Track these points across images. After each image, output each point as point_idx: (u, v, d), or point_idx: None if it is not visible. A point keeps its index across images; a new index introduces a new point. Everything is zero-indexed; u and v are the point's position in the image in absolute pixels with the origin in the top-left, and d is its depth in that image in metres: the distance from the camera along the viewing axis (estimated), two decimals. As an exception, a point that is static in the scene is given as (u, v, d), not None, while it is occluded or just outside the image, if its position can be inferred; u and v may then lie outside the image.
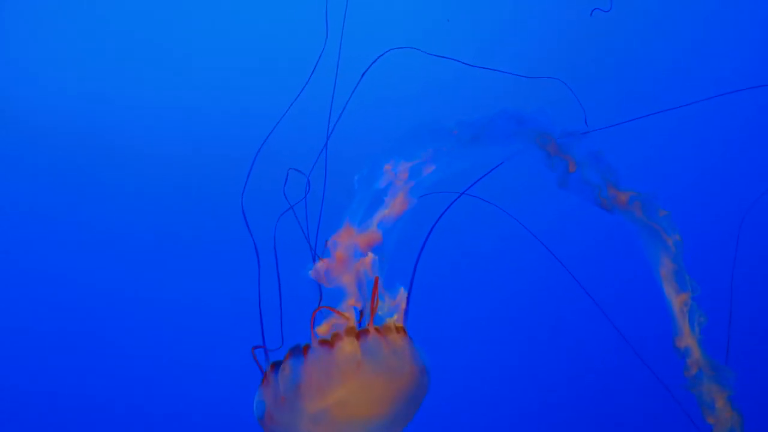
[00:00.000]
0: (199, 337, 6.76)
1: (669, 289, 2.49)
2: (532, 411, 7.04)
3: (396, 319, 2.38)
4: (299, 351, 2.27)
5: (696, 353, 2.49)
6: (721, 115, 6.68)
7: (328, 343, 2.25)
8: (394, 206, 2.44)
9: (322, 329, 2.34)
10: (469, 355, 6.77)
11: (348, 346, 2.24)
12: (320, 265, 2.39)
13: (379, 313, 2.39)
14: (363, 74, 2.55)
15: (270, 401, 2.29)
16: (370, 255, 2.39)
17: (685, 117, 6.54)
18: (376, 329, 2.29)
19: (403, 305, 2.40)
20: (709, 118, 6.69)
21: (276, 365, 2.30)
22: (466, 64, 2.91)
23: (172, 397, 6.82)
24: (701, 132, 6.77)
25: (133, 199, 6.75)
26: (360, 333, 2.27)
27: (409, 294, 2.41)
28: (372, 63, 2.54)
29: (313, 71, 2.76)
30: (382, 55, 2.57)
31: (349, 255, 2.39)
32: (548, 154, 2.49)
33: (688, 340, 2.48)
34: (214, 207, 6.60)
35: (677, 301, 2.47)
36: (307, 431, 2.30)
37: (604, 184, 2.48)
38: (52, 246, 6.76)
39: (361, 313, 2.37)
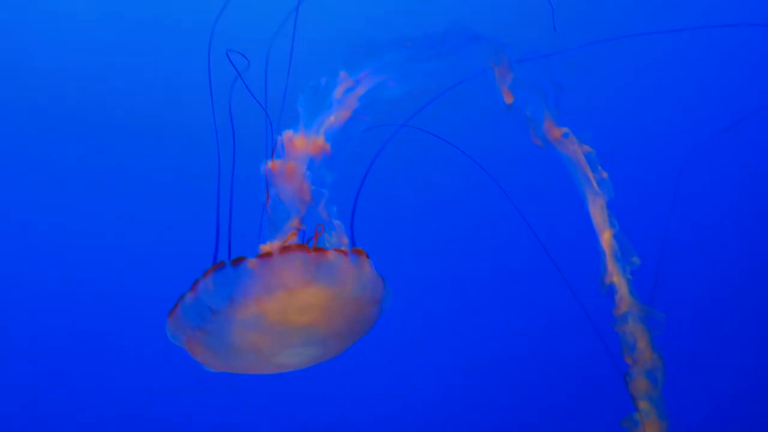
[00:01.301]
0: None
1: (598, 226, 2.49)
2: (465, 339, 7.14)
3: (345, 241, 2.34)
4: (238, 262, 2.19)
5: (623, 292, 2.50)
6: (675, 56, 6.69)
7: (281, 251, 2.18)
8: (340, 115, 2.37)
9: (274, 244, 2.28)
10: (413, 285, 6.79)
11: (296, 254, 2.18)
12: (272, 165, 2.30)
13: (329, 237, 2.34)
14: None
15: (199, 319, 2.22)
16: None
17: (641, 54, 6.54)
18: (332, 248, 2.24)
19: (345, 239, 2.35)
20: (663, 59, 6.70)
21: (219, 266, 2.20)
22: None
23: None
24: (652, 74, 6.78)
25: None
26: (312, 248, 2.21)
27: (352, 222, 2.36)
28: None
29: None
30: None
31: (299, 165, 2.32)
32: (499, 78, 2.44)
33: (614, 278, 2.48)
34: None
35: (604, 238, 2.47)
36: (241, 338, 2.27)
37: (542, 117, 2.45)
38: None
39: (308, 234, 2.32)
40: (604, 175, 2.51)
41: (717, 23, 6.39)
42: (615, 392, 2.77)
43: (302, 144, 2.31)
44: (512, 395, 7.04)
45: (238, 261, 2.18)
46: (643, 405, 2.66)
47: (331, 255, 2.20)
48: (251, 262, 2.17)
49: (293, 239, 2.27)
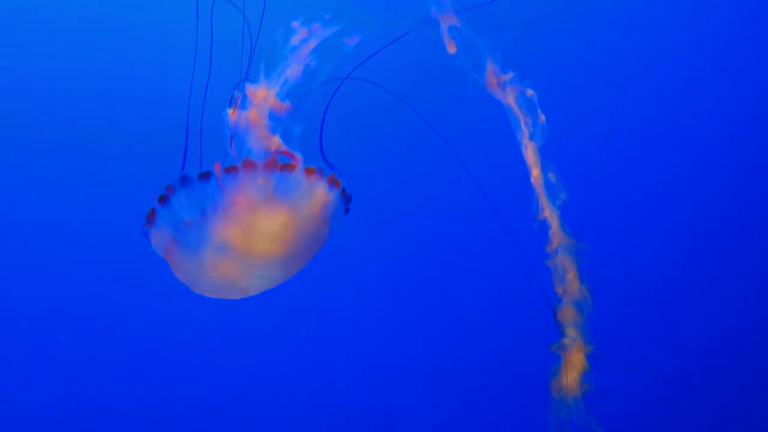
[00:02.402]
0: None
1: (530, 166, 2.63)
2: (400, 274, 7.30)
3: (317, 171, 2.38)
4: (206, 178, 2.27)
5: (554, 226, 2.66)
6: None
7: (244, 167, 2.27)
8: (295, 67, 2.45)
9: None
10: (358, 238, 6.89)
11: (262, 178, 2.27)
12: (234, 115, 2.39)
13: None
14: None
15: (173, 226, 2.32)
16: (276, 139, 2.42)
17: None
18: (295, 167, 2.31)
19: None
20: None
21: (178, 185, 2.28)
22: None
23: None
24: (590, 22, 6.91)
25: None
26: (280, 166, 2.29)
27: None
28: None
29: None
30: None
31: (261, 115, 2.41)
32: (443, 28, 2.53)
33: (546, 213, 2.63)
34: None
35: (534, 176, 2.62)
36: (209, 262, 2.36)
37: (484, 65, 2.55)
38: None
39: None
40: (542, 118, 2.64)
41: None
42: (545, 321, 2.94)
43: (262, 96, 2.40)
44: (449, 329, 7.23)
45: (205, 174, 2.27)
46: (571, 331, 2.85)
47: (291, 171, 2.30)
48: (218, 174, 2.26)
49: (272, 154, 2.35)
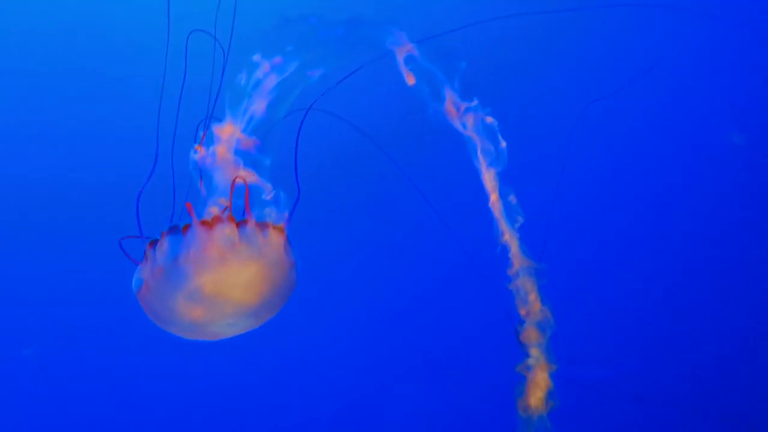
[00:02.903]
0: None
1: (489, 190, 2.69)
2: (366, 298, 7.33)
3: (273, 219, 2.49)
4: (178, 229, 2.38)
5: (514, 249, 2.72)
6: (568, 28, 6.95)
7: (208, 224, 2.37)
8: (260, 102, 2.51)
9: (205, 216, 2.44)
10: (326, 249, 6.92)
11: (227, 228, 2.36)
12: (202, 152, 2.46)
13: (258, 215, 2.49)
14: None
15: (148, 274, 2.39)
16: (244, 170, 2.48)
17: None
18: (255, 222, 2.42)
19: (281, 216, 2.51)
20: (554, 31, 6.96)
21: (155, 242, 2.40)
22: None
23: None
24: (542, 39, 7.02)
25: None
26: (239, 222, 2.40)
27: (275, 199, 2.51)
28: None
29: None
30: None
31: (228, 151, 2.48)
32: (401, 62, 2.59)
33: (506, 237, 2.70)
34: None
35: (493, 201, 2.68)
36: (180, 305, 2.42)
37: (443, 94, 2.62)
38: None
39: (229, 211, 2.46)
40: (503, 144, 2.71)
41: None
42: (510, 343, 2.99)
43: (228, 132, 2.47)
44: (412, 349, 7.27)
45: (173, 228, 2.39)
46: (534, 352, 2.91)
47: (257, 231, 2.40)
48: (184, 230, 2.36)
49: (221, 212, 2.43)
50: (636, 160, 7.24)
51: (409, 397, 7.17)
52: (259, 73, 2.47)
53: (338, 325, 7.21)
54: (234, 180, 2.44)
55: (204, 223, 2.37)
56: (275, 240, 2.44)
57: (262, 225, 2.43)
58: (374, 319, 7.31)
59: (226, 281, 2.40)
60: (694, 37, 7.02)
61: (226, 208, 2.44)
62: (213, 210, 2.44)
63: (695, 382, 6.93)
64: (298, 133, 2.50)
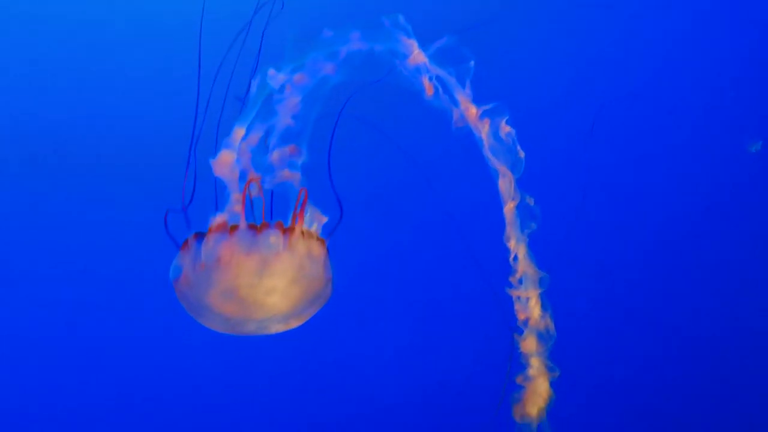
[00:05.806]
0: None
1: (504, 198, 2.70)
2: (372, 300, 7.33)
3: (317, 230, 2.53)
4: (227, 228, 2.42)
5: (521, 256, 2.73)
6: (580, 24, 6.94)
7: (256, 228, 2.41)
8: (285, 114, 2.56)
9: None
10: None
11: (273, 235, 2.40)
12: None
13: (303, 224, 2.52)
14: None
15: (188, 266, 2.43)
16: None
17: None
18: (302, 231, 2.45)
19: (321, 221, 2.54)
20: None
21: (200, 235, 2.44)
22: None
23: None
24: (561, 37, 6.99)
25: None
26: (287, 229, 2.43)
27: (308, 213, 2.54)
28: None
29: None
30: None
31: (278, 160, 2.52)
32: (414, 70, 2.61)
33: (512, 242, 2.71)
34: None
35: (508, 208, 2.69)
36: (213, 302, 2.47)
37: (457, 99, 2.64)
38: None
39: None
40: (522, 154, 2.72)
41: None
42: (509, 352, 3.00)
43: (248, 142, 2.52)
44: (412, 350, 7.26)
45: (220, 226, 2.44)
46: (534, 361, 2.91)
47: (303, 242, 2.45)
48: (231, 230, 2.42)
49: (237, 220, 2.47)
50: (648, 166, 7.20)
51: (410, 401, 7.17)
52: (282, 83, 2.52)
53: (336, 326, 7.22)
54: (242, 187, 2.48)
55: (252, 227, 2.41)
56: (317, 253, 2.49)
57: (308, 235, 2.47)
58: (372, 322, 7.31)
59: (264, 287, 2.44)
60: (712, 41, 6.99)
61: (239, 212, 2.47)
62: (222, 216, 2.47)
63: (695, 387, 6.92)
64: (330, 142, 2.55)
